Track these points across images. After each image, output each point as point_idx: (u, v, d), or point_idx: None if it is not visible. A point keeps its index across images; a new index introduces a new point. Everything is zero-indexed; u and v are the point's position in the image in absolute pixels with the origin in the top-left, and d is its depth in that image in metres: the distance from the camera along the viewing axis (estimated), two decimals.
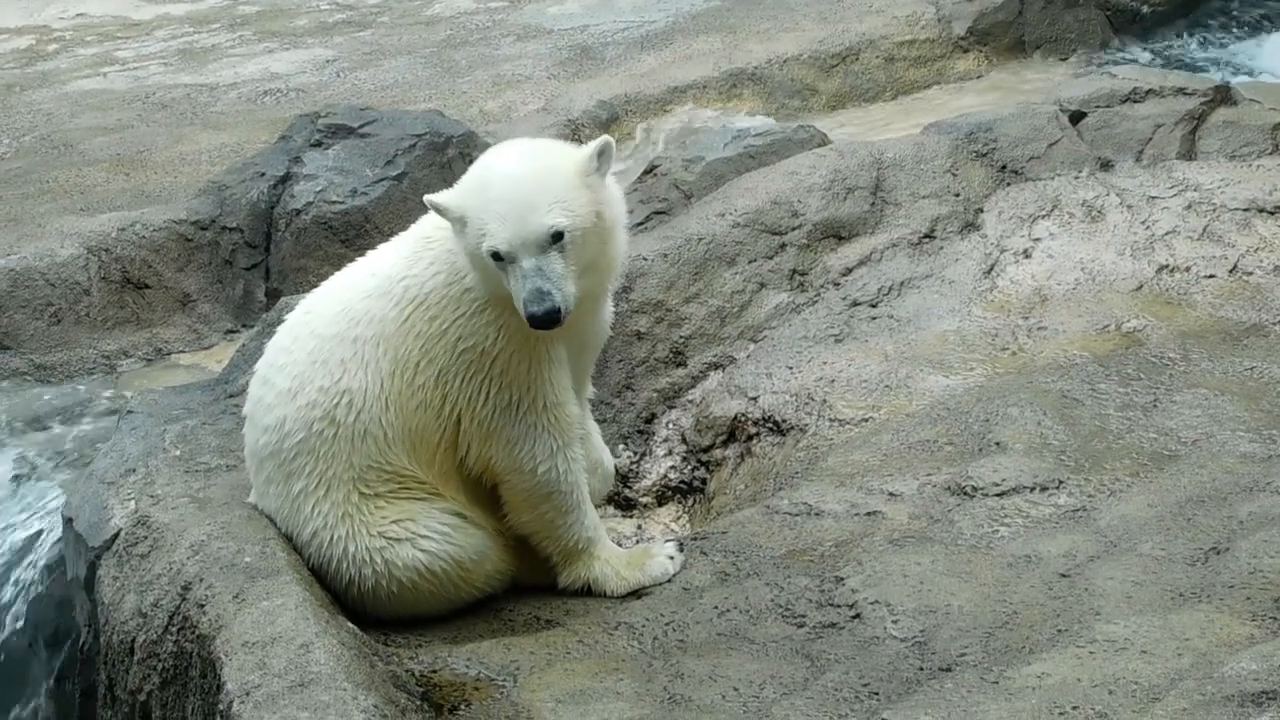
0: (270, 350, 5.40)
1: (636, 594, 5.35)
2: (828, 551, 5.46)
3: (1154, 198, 7.46)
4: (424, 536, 5.18)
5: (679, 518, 6.58)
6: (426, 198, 5.12)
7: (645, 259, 7.04)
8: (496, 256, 4.95)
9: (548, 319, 4.92)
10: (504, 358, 5.16)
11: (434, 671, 4.92)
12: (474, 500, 5.30)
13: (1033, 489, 5.68)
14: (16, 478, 7.39)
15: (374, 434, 5.15)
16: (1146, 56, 12.03)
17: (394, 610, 5.23)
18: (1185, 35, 12.49)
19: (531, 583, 5.43)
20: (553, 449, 5.23)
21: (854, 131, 10.11)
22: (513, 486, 5.26)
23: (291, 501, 5.22)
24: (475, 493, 5.31)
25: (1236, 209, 7.36)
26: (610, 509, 6.52)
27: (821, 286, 7.17)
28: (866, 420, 6.38)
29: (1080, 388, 6.28)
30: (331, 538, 5.17)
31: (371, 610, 5.21)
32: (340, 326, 5.21)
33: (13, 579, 6.97)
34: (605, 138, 5.13)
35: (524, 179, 5.01)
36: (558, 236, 4.94)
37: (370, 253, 5.47)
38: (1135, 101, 8.23)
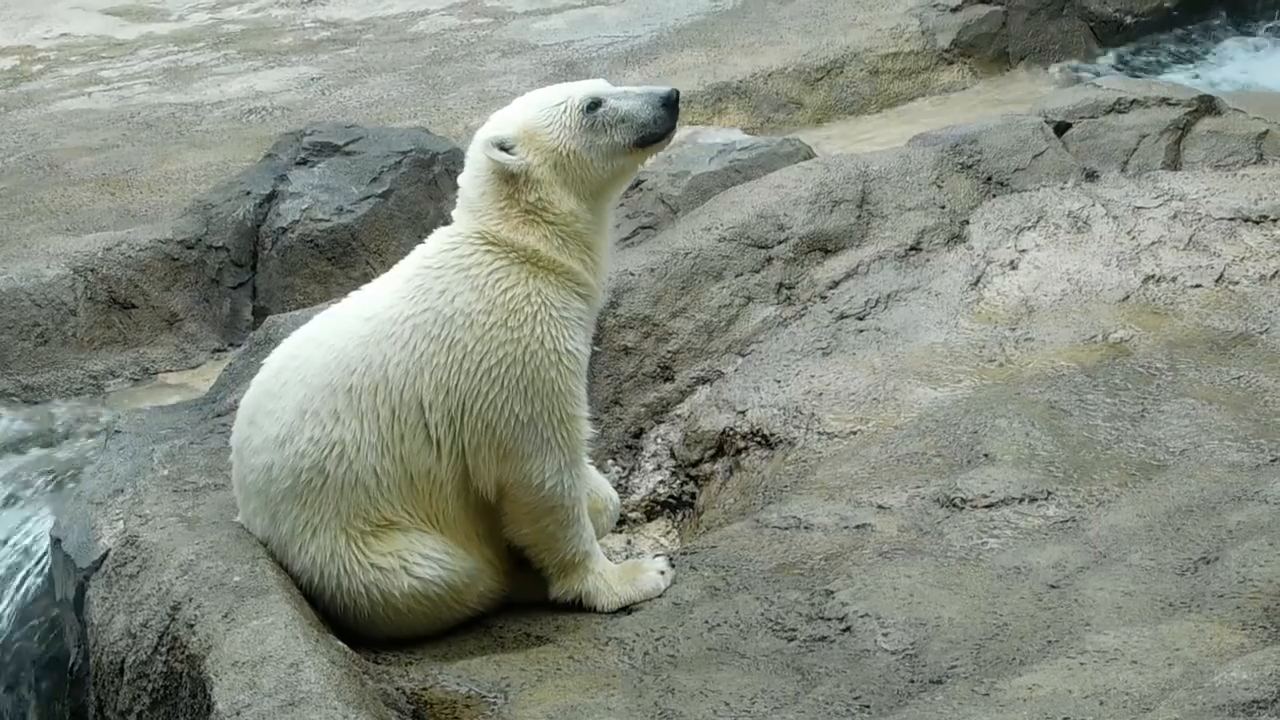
0: (255, 390, 5.33)
1: (627, 609, 5.35)
2: (817, 565, 5.46)
3: (1139, 208, 7.47)
4: (417, 564, 5.16)
5: (668, 532, 6.58)
6: (487, 142, 5.21)
7: (632, 274, 7.04)
8: (594, 103, 5.17)
9: (675, 94, 5.28)
10: (532, 365, 5.14)
11: (425, 689, 4.92)
12: (469, 536, 5.28)
13: (1021, 500, 5.68)
14: (4, 499, 7.37)
15: (365, 483, 5.12)
16: (1131, 67, 12.05)
17: (386, 631, 5.22)
18: (1169, 46, 12.51)
19: (523, 599, 5.43)
20: (561, 464, 5.23)
21: (839, 144, 10.11)
22: (517, 500, 5.25)
23: (278, 539, 5.22)
24: (469, 528, 5.29)
25: (1222, 218, 7.38)
26: None
27: (808, 300, 7.18)
28: (855, 433, 6.38)
29: (1068, 398, 6.29)
30: (322, 575, 5.15)
31: (365, 632, 5.20)
32: (332, 376, 5.15)
33: (1, 600, 6.95)
34: None
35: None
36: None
37: (355, 295, 5.40)
38: (1120, 112, 8.24)
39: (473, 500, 5.26)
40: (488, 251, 5.18)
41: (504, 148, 5.17)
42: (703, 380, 6.92)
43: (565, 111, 5.19)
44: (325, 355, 5.20)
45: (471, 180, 5.28)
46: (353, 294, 5.42)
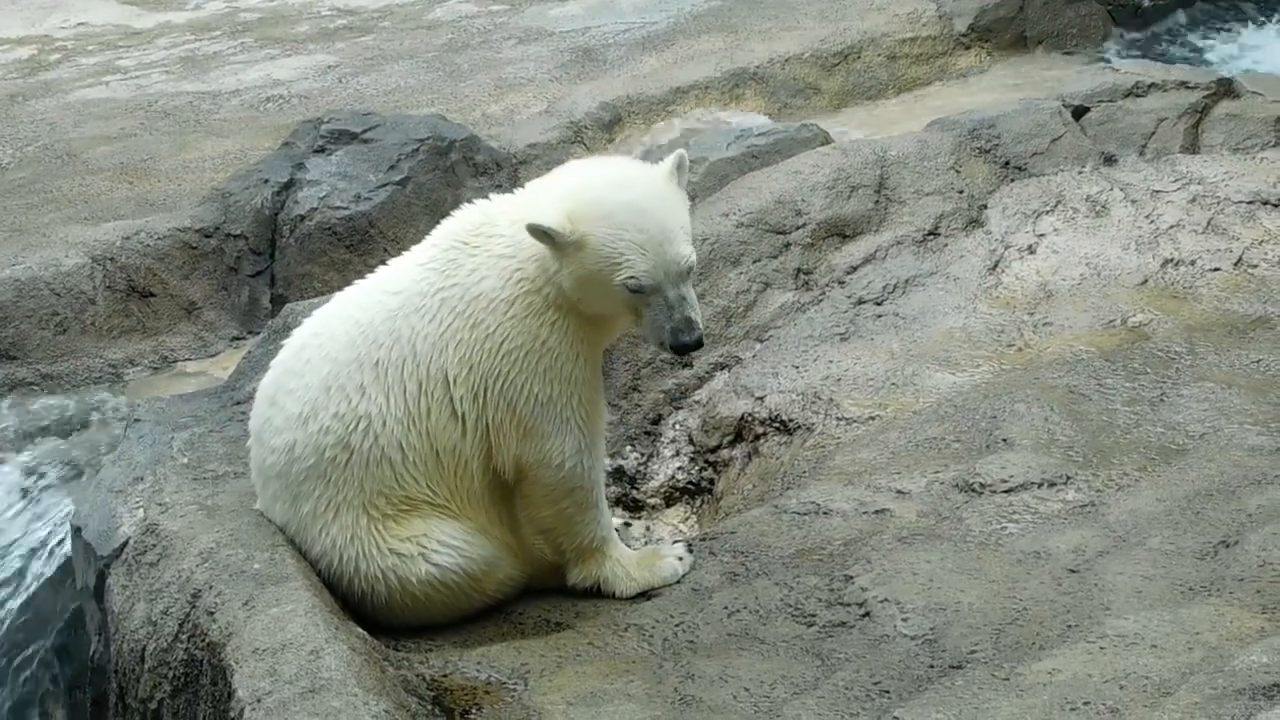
0: (276, 370, 5.34)
1: (646, 595, 5.36)
2: (836, 550, 5.46)
3: (1158, 192, 7.46)
4: (435, 550, 5.17)
5: (687, 519, 6.58)
6: (531, 224, 5.00)
7: None
8: (634, 289, 5.01)
9: (698, 345, 5.10)
10: (550, 355, 5.14)
11: (445, 675, 4.93)
12: (491, 518, 5.29)
13: (1041, 485, 5.67)
14: (25, 488, 7.40)
15: (391, 458, 5.13)
16: (1148, 50, 12.03)
17: (404, 618, 5.22)
18: (1187, 29, 12.49)
19: (542, 586, 5.43)
20: (580, 445, 5.23)
21: (857, 130, 10.11)
22: (537, 480, 5.25)
23: (299, 521, 5.21)
24: (492, 509, 5.30)
25: (1240, 201, 7.37)
26: (618, 510, 6.52)
27: (826, 285, 7.17)
28: (873, 418, 6.38)
29: (1087, 383, 6.28)
30: (341, 558, 5.16)
31: (383, 619, 5.20)
32: (359, 350, 5.16)
33: (22, 589, 6.97)
34: (679, 152, 5.28)
35: (653, 209, 5.09)
36: (691, 266, 5.07)
37: (381, 269, 5.39)
38: (1138, 96, 8.24)
39: (497, 480, 5.27)
40: (531, 248, 5.14)
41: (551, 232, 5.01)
42: (721, 366, 6.92)
43: (615, 266, 5.01)
44: (351, 330, 5.21)
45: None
46: (380, 269, 5.41)
